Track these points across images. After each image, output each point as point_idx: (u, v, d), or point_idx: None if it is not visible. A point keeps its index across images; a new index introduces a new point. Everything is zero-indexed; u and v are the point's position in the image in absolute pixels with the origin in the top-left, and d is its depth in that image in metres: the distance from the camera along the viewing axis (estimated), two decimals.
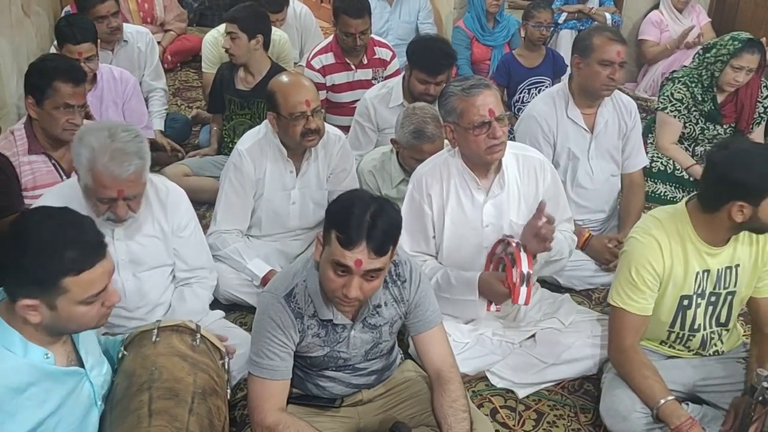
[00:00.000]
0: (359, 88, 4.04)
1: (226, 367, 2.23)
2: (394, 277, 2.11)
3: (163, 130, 4.26)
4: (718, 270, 2.31)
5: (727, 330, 2.44)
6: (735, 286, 2.34)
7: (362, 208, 1.85)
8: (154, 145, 4.08)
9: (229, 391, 2.21)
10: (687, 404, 2.37)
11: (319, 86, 3.80)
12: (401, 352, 2.41)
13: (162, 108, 4.33)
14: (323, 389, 2.20)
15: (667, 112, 3.93)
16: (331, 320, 2.04)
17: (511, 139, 2.75)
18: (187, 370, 2.03)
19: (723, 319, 2.40)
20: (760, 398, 2.03)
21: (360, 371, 2.20)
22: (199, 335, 2.18)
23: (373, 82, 4.07)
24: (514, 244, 2.47)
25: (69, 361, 1.81)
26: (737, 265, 2.32)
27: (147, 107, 4.14)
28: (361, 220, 1.83)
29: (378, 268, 1.88)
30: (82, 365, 1.84)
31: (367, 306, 2.06)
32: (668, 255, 2.28)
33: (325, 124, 3.01)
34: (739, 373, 2.37)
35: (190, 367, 2.05)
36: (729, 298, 2.35)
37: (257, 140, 2.99)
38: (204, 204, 3.65)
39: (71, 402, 1.78)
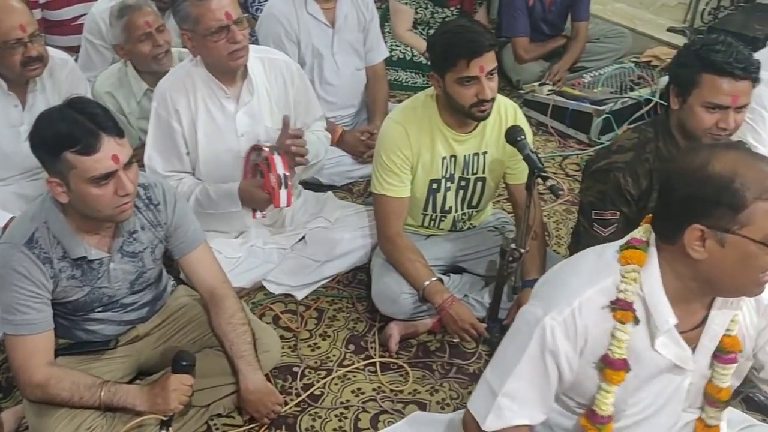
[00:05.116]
0: (79, 2, 3.66)
1: None
2: (146, 201, 2.02)
3: None
4: (465, 156, 2.43)
5: (478, 211, 2.62)
6: (483, 172, 2.47)
7: (68, 115, 1.75)
8: None
9: None
10: (449, 276, 2.57)
11: (32, 5, 3.41)
12: (172, 279, 2.34)
13: None
14: (93, 333, 2.08)
15: (398, 0, 4.04)
16: (85, 257, 1.91)
17: (254, 42, 2.67)
18: None
19: (474, 203, 2.56)
20: (510, 259, 2.25)
21: (130, 306, 2.11)
22: None
23: None
24: (266, 149, 2.46)
25: None
26: (485, 153, 2.44)
27: None
28: (81, 121, 1.74)
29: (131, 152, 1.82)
30: None
31: (121, 233, 1.96)
32: (416, 141, 2.38)
33: (48, 48, 2.72)
34: (491, 241, 2.59)
35: None
36: (479, 183, 2.50)
37: None
38: None
39: None
